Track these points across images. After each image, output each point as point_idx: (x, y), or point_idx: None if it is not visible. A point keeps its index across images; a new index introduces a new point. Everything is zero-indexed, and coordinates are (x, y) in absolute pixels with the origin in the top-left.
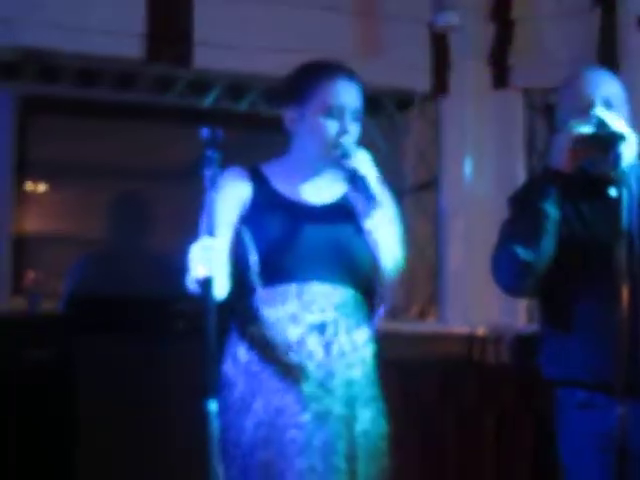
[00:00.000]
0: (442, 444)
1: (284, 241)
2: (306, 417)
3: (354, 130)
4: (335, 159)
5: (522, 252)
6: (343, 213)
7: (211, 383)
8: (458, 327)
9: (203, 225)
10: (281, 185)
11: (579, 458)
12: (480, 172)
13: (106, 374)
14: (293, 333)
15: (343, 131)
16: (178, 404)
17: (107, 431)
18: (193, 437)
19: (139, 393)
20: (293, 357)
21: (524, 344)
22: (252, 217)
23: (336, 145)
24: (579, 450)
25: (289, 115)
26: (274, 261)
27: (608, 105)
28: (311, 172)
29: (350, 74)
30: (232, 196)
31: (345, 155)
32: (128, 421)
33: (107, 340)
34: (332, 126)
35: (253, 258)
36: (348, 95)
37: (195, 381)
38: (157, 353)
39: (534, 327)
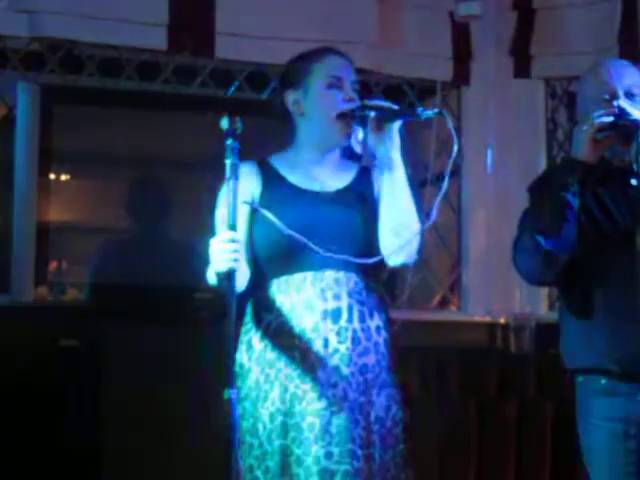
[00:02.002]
0: (463, 432)
1: (297, 230)
2: (322, 404)
3: (355, 99)
4: (343, 130)
5: (544, 241)
6: (354, 199)
7: (230, 372)
8: (480, 316)
9: (220, 215)
10: (291, 175)
11: (601, 444)
12: (502, 162)
13: (131, 361)
14: (308, 320)
15: (347, 99)
16: (199, 392)
17: (131, 420)
18: (213, 425)
19: (160, 379)
20: (308, 344)
21: (545, 332)
22: (265, 209)
23: (344, 110)
24: (601, 437)
25: (292, 97)
26: (288, 250)
27: (630, 95)
28: (319, 159)
29: (342, 53)
30: (243, 191)
31: (358, 117)
32: (151, 407)
33: (131, 327)
34: (335, 94)
35: (268, 248)
36: (344, 67)
37: (215, 370)
38: (179, 340)
39: (555, 315)
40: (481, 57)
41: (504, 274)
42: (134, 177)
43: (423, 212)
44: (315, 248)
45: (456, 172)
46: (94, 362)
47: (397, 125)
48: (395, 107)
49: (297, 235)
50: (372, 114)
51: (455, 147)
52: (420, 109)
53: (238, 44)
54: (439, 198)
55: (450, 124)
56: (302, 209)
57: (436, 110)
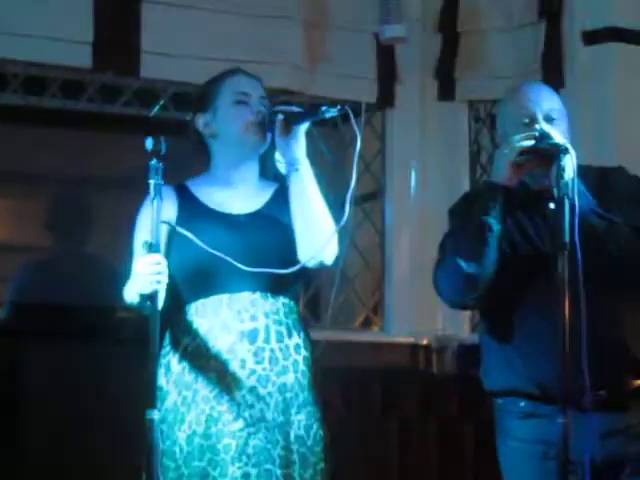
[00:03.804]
0: (385, 452)
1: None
2: (239, 424)
3: (263, 113)
4: (254, 141)
5: (465, 265)
6: (269, 219)
7: (152, 392)
8: (402, 337)
9: (140, 235)
10: (207, 197)
11: (520, 466)
12: (425, 183)
13: (50, 380)
14: (224, 341)
15: (254, 111)
16: (120, 412)
17: (50, 440)
18: (135, 446)
19: (81, 400)
20: (225, 365)
21: (467, 354)
22: (181, 232)
23: (251, 126)
24: (520, 458)
25: (202, 120)
26: (204, 273)
27: (549, 119)
28: (235, 180)
29: (248, 72)
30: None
31: (267, 124)
32: (71, 428)
33: (52, 346)
34: (243, 109)
35: (184, 271)
36: (250, 84)
37: (137, 389)
38: (99, 360)
39: (477, 337)
40: (406, 79)
41: (427, 295)
42: (55, 196)
43: (346, 231)
44: (236, 264)
45: (380, 193)
46: (13, 381)
47: (303, 127)
48: (300, 109)
49: (218, 253)
50: (280, 117)
51: (358, 143)
52: (324, 108)
53: (163, 63)
54: (349, 195)
55: (354, 123)
56: (217, 231)
57: (339, 107)
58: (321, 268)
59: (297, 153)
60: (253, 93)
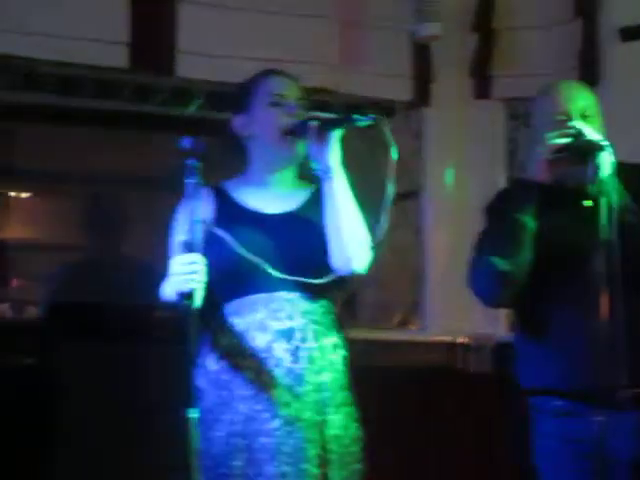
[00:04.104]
0: (422, 451)
1: (250, 252)
2: (276, 424)
3: (300, 114)
4: (290, 142)
5: (500, 263)
6: (305, 221)
7: (191, 392)
8: (440, 336)
9: (177, 234)
10: (243, 198)
11: (556, 465)
12: (462, 182)
13: (87, 380)
14: (261, 340)
15: (290, 114)
16: (159, 411)
17: (87, 438)
18: (174, 445)
19: (119, 400)
20: (261, 364)
21: (505, 352)
22: (218, 233)
23: (287, 129)
24: (556, 457)
25: (239, 121)
26: (240, 273)
27: (584, 117)
28: (271, 180)
29: (285, 73)
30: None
31: (300, 131)
32: (108, 428)
33: (90, 346)
34: (278, 112)
35: (220, 271)
36: (287, 86)
37: (175, 389)
38: (137, 359)
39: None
40: (442, 78)
41: (464, 294)
42: (93, 195)
43: (383, 231)
44: (270, 271)
45: (416, 192)
46: (52, 380)
47: (337, 134)
48: (334, 116)
49: (255, 258)
50: (313, 124)
51: (393, 154)
52: (356, 116)
53: (199, 63)
54: (385, 208)
55: (386, 130)
56: (253, 232)
57: (372, 116)
58: (353, 276)
59: (330, 160)
60: (289, 94)
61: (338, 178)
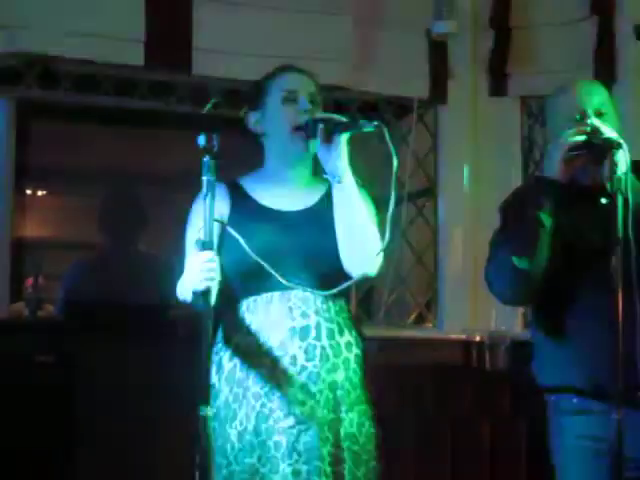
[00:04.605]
0: (438, 449)
1: (265, 250)
2: (289, 422)
3: (313, 111)
4: (302, 141)
5: (517, 261)
6: (320, 217)
7: (205, 389)
8: (455, 333)
9: (192, 232)
10: (259, 194)
11: (573, 463)
12: (478, 180)
13: (103, 378)
14: (275, 338)
15: (301, 111)
16: (176, 409)
17: (105, 436)
18: (190, 443)
19: (136, 398)
20: (275, 362)
21: (520, 350)
22: (233, 229)
23: (299, 125)
24: (573, 455)
25: (253, 117)
26: (255, 271)
27: (600, 114)
28: (286, 177)
29: (299, 68)
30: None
31: (309, 130)
32: (125, 425)
33: (107, 344)
34: (291, 108)
35: (236, 268)
36: (299, 81)
37: (192, 387)
38: (154, 358)
39: (530, 334)
40: (458, 75)
41: (480, 292)
42: (110, 193)
43: (399, 229)
44: (279, 277)
45: (433, 189)
46: (69, 378)
47: (345, 137)
48: (342, 119)
49: (262, 262)
50: (321, 126)
51: (395, 162)
52: (362, 122)
53: (215, 60)
54: (388, 220)
55: (388, 138)
56: (269, 229)
57: (375, 123)
58: (365, 279)
59: (338, 163)
60: (302, 90)
61: (348, 182)
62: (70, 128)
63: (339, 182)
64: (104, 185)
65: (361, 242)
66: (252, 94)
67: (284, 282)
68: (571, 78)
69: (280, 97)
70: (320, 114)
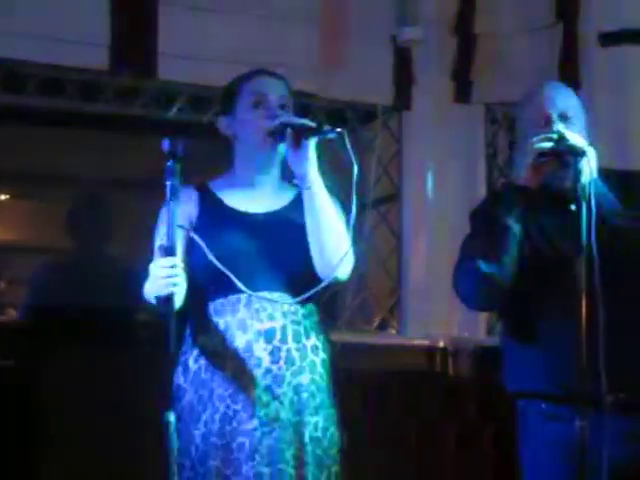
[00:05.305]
0: (402, 455)
1: (232, 252)
2: (253, 423)
3: (283, 115)
4: (272, 145)
5: (485, 266)
6: (289, 222)
7: (169, 395)
8: (419, 339)
9: (161, 235)
10: (228, 198)
11: (541, 467)
12: (442, 186)
13: (68, 381)
14: (241, 340)
15: (271, 115)
16: (139, 412)
17: (70, 439)
18: (153, 446)
19: (100, 401)
20: (241, 364)
21: (483, 356)
22: (201, 232)
23: (268, 130)
24: (541, 459)
25: (223, 122)
26: (222, 273)
27: (565, 119)
28: (255, 181)
29: (269, 72)
30: (182, 215)
31: (278, 134)
32: (90, 429)
33: (70, 348)
34: (260, 113)
35: (203, 271)
36: (270, 85)
37: (155, 390)
38: (118, 362)
39: (493, 340)
40: (422, 81)
41: (443, 298)
42: (75, 197)
43: (363, 235)
44: (239, 284)
45: (396, 195)
46: (31, 383)
47: (313, 141)
48: (309, 124)
49: (224, 268)
50: (289, 130)
51: (355, 169)
52: (326, 128)
53: (180, 65)
54: (351, 221)
55: (349, 146)
56: (237, 231)
57: (338, 130)
58: (336, 284)
59: (307, 168)
60: (272, 94)
61: (317, 188)
62: (35, 132)
63: (308, 189)
64: (69, 189)
65: (332, 247)
66: (223, 97)
67: (244, 289)
68: (540, 83)
69: (250, 101)
70: (287, 118)
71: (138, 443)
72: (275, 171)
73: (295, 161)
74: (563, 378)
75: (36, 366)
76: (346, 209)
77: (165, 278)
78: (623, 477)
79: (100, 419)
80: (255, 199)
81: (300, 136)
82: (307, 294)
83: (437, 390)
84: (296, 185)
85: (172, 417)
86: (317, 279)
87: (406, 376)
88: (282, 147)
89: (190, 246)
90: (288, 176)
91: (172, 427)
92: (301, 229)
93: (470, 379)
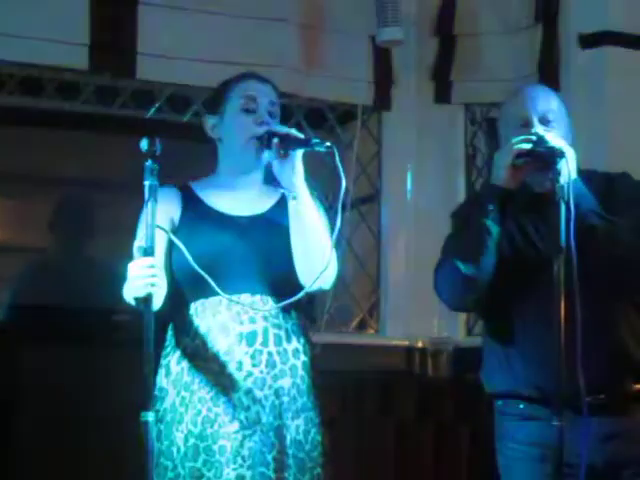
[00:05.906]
0: (381, 456)
1: (214, 254)
2: (234, 426)
3: (271, 122)
4: (257, 149)
5: (463, 267)
6: (273, 225)
7: (148, 395)
8: (398, 339)
9: (140, 236)
10: (211, 199)
11: (518, 468)
12: (421, 186)
13: (47, 382)
14: (222, 343)
15: (259, 121)
16: (118, 414)
17: (49, 440)
18: (133, 448)
19: (79, 402)
20: (222, 367)
21: (463, 357)
22: (183, 233)
23: (255, 136)
24: (518, 460)
25: (210, 122)
26: (203, 276)
27: (545, 121)
28: (238, 184)
29: (260, 76)
30: (163, 215)
31: (265, 141)
32: (68, 430)
33: (46, 349)
34: (249, 117)
35: (185, 272)
36: (259, 90)
37: (134, 391)
38: (97, 362)
39: (473, 340)
40: (402, 82)
41: (423, 298)
42: (54, 197)
43: (343, 236)
44: (216, 288)
45: (376, 196)
46: (10, 382)
47: (299, 152)
48: (297, 135)
49: (200, 270)
50: (275, 140)
51: (343, 183)
52: (314, 141)
53: (159, 65)
54: (335, 233)
55: (338, 161)
56: (219, 233)
57: (327, 144)
58: (320, 292)
59: (293, 179)
60: (261, 99)
61: (303, 198)
62: (15, 131)
63: (294, 199)
64: (48, 189)
65: (316, 256)
66: (212, 98)
67: (221, 293)
68: (522, 84)
69: (239, 105)
70: (276, 127)
71: (118, 444)
72: (259, 175)
73: (281, 171)
74: (541, 379)
75: (14, 366)
76: (327, 210)
77: (143, 278)
78: (603, 478)
79: (79, 420)
80: (238, 201)
81: (287, 147)
82: (288, 301)
83: (416, 390)
84: (280, 187)
85: (150, 417)
86: (300, 282)
87: (385, 376)
88: (267, 154)
89: (171, 247)
90: (271, 179)
91: (150, 427)
92: (285, 232)
93: (449, 379)
